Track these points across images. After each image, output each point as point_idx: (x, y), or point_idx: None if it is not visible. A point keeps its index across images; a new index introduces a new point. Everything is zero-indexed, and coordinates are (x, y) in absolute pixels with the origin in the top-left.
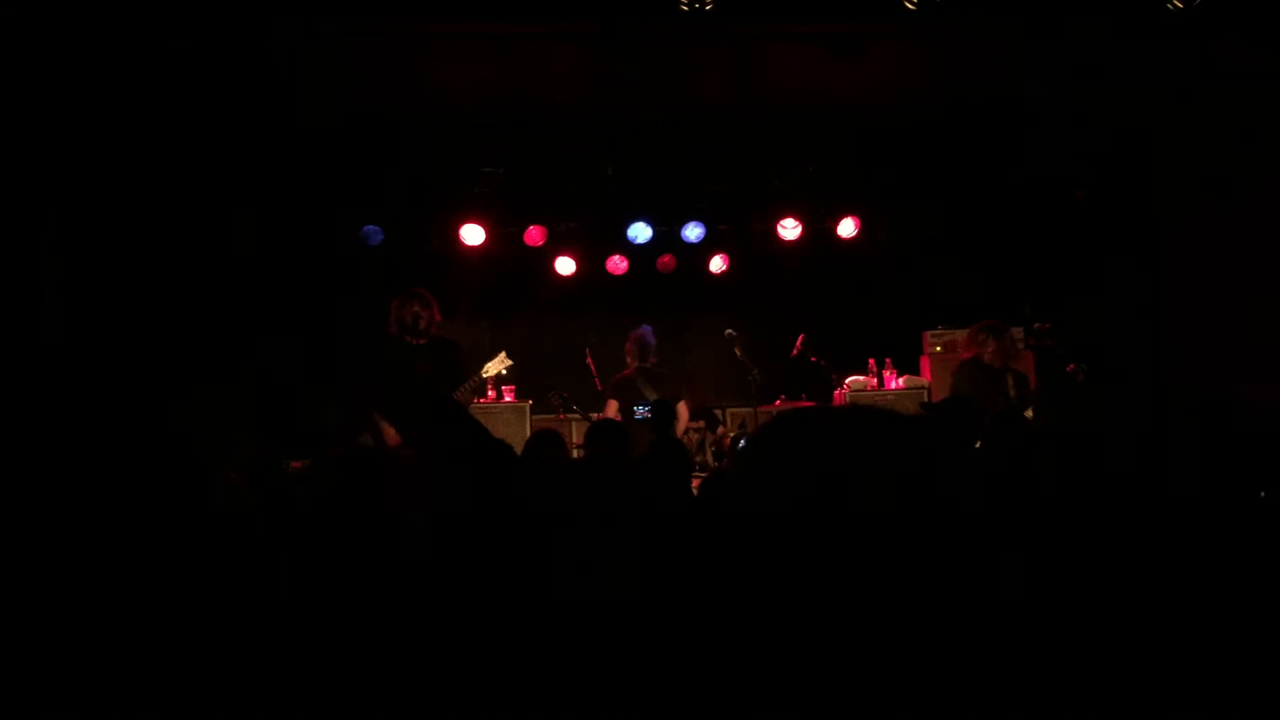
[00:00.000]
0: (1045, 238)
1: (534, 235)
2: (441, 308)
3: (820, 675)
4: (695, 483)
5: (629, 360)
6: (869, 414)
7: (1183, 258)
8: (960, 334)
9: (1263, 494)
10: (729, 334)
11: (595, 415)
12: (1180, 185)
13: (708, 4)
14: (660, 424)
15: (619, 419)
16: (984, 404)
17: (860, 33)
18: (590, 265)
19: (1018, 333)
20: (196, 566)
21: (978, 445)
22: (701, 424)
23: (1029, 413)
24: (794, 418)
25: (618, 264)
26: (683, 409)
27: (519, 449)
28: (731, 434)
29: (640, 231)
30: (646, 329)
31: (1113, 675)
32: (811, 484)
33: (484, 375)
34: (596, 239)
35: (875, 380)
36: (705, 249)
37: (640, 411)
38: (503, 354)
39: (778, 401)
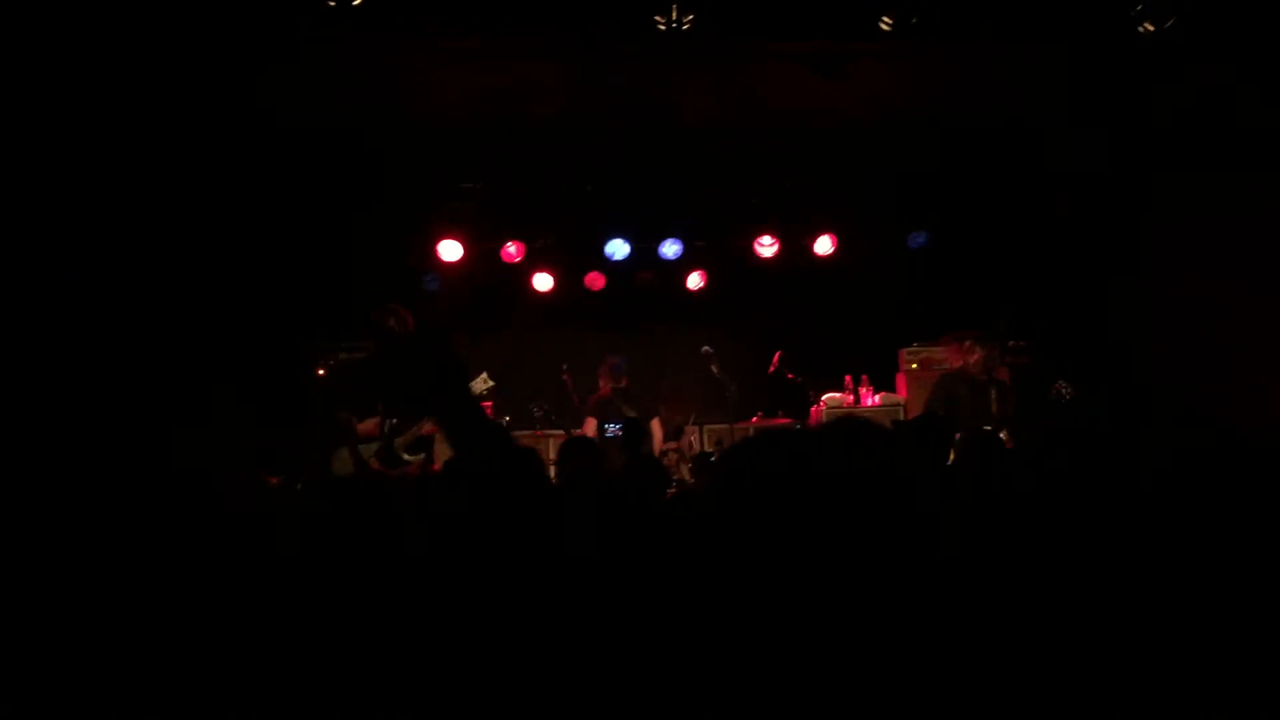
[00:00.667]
0: (1023, 254)
1: (511, 251)
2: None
3: (785, 674)
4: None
5: (603, 383)
6: (837, 432)
7: (1170, 270)
8: (936, 351)
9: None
10: (706, 351)
11: (575, 431)
12: (1170, 195)
13: (685, 23)
14: (630, 442)
15: (596, 436)
16: (966, 418)
17: (837, 52)
18: (568, 281)
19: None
20: (184, 572)
21: (950, 461)
22: (678, 444)
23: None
24: (762, 438)
25: (595, 280)
26: (656, 427)
27: None
28: (704, 450)
29: (618, 248)
30: (618, 358)
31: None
32: (767, 494)
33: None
34: (574, 255)
35: (852, 397)
36: (683, 266)
37: (612, 430)
38: (484, 374)
39: (754, 418)
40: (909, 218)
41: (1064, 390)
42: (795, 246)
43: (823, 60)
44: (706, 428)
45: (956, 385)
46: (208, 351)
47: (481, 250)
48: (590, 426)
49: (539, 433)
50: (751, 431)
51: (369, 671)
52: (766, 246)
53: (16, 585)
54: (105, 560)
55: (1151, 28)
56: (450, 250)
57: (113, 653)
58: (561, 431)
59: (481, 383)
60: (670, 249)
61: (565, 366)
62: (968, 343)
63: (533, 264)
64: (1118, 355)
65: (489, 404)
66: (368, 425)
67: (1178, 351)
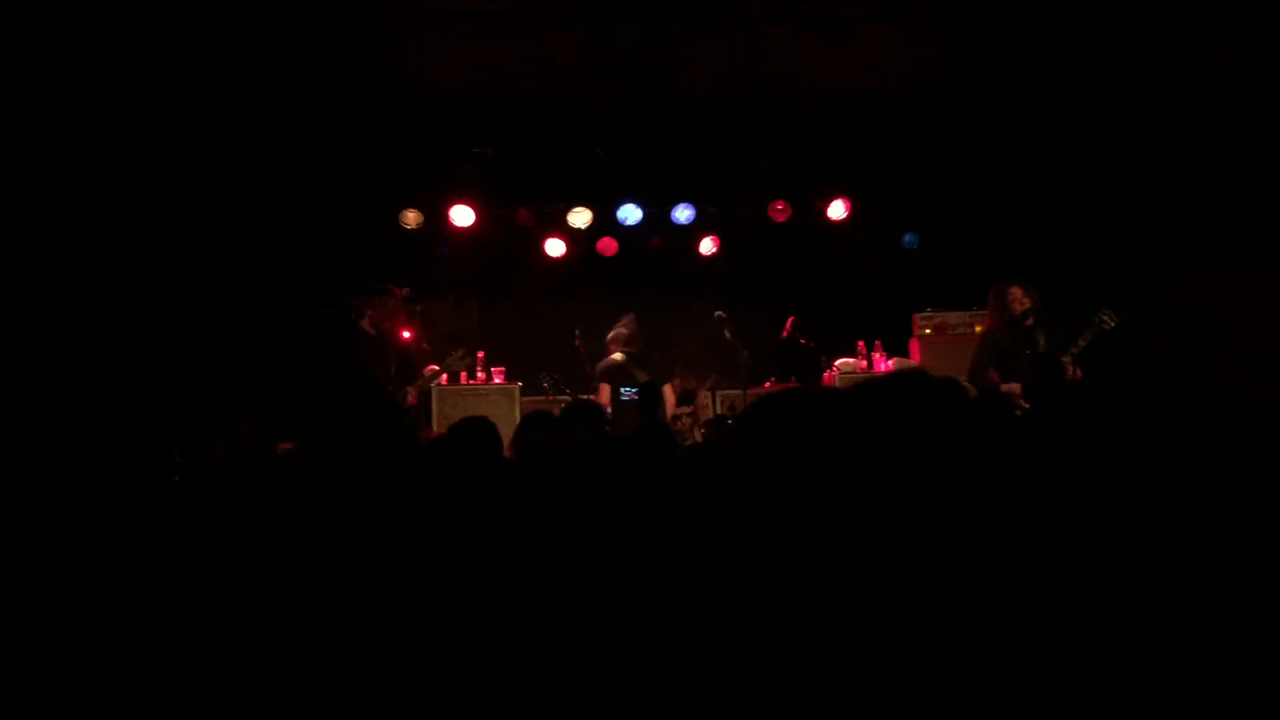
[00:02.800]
0: (1036, 221)
1: (523, 216)
2: (432, 290)
3: (805, 653)
4: None
5: (617, 345)
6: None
7: (1177, 244)
8: (950, 316)
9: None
10: (719, 316)
11: (590, 397)
12: (1177, 174)
13: None
14: (646, 406)
15: (609, 405)
16: (1017, 364)
17: (850, 14)
18: (580, 247)
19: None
20: (183, 548)
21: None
22: (692, 409)
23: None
24: (773, 399)
25: (608, 246)
26: (668, 392)
27: (508, 431)
28: (718, 414)
29: (630, 213)
30: (632, 316)
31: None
32: (785, 456)
33: (446, 368)
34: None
35: (865, 362)
36: (695, 231)
37: (628, 394)
38: (463, 349)
39: (767, 384)
40: (922, 183)
41: (1107, 320)
42: (808, 211)
43: (831, 24)
44: (719, 393)
45: (997, 339)
46: (220, 322)
47: (494, 215)
48: (604, 394)
49: (550, 398)
50: None
51: (363, 653)
52: (780, 211)
53: (15, 576)
54: (122, 531)
55: None
56: (462, 215)
57: (110, 635)
58: (570, 396)
59: (459, 359)
60: (683, 214)
61: (577, 332)
62: (1006, 288)
63: (545, 229)
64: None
65: (500, 368)
66: None
67: (1169, 339)
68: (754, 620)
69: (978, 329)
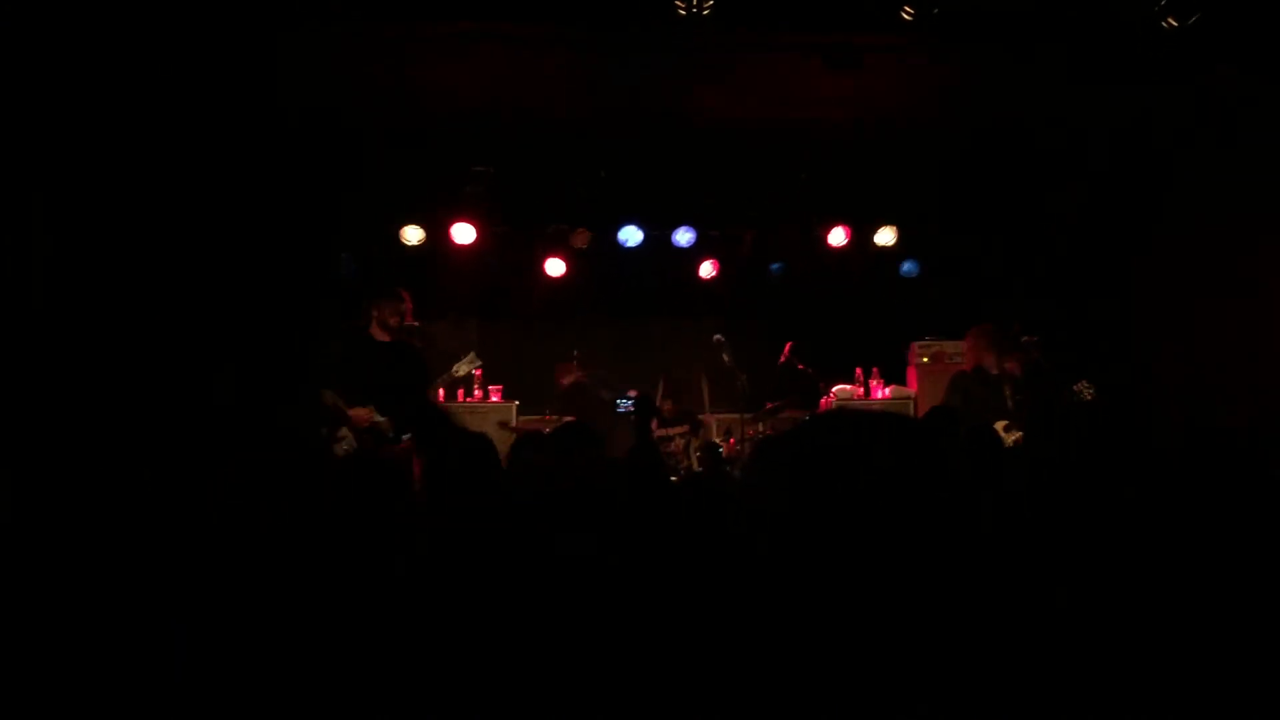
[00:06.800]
0: (1034, 251)
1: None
2: (431, 308)
3: (814, 670)
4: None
5: (565, 377)
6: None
7: (1159, 276)
8: (948, 345)
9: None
10: (717, 339)
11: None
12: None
13: (705, 9)
14: (643, 421)
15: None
16: (981, 414)
17: (856, 44)
18: (580, 267)
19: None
20: (186, 560)
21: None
22: (686, 429)
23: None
24: (804, 427)
25: (607, 266)
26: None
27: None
28: (717, 440)
29: (631, 235)
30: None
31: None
32: (812, 486)
33: (454, 375)
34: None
35: (862, 389)
36: (695, 254)
37: (624, 405)
38: (472, 354)
39: (767, 406)
40: (922, 212)
41: (1085, 390)
42: (809, 237)
43: (839, 53)
44: (716, 417)
45: (970, 383)
46: (210, 334)
47: (494, 234)
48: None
49: (547, 416)
50: (762, 426)
51: (365, 667)
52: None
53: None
54: (106, 551)
55: (1175, 23)
56: (463, 233)
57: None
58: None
59: (469, 363)
60: (683, 237)
61: (575, 353)
62: (981, 341)
63: (545, 250)
64: (1125, 352)
65: (498, 386)
66: (360, 412)
67: (1183, 350)
68: (786, 650)
69: None
